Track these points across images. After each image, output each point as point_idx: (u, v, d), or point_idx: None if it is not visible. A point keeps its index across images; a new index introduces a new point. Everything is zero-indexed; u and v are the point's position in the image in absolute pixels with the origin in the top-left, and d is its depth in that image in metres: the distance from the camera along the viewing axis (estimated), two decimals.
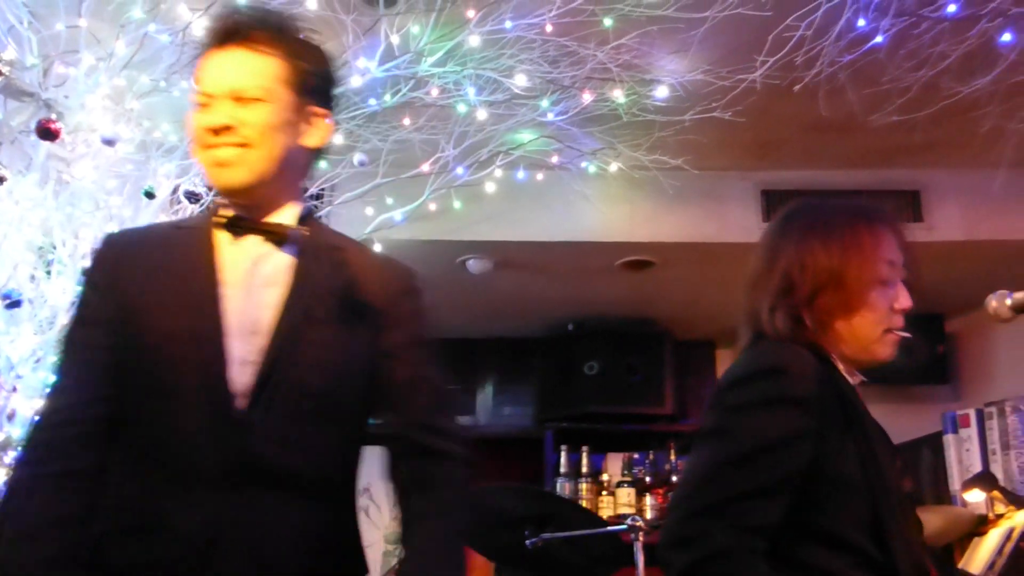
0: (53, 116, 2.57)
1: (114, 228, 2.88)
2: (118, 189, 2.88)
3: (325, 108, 1.50)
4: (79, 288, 1.50)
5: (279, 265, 1.43)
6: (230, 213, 1.45)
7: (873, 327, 1.47)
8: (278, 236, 1.44)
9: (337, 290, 1.43)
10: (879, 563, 1.33)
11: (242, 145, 1.40)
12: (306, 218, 1.50)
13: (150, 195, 2.78)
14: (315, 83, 1.48)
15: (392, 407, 1.46)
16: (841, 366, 1.48)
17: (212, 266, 1.42)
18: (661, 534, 1.34)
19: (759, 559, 1.28)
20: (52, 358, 2.77)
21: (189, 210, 2.80)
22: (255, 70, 1.41)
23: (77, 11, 2.52)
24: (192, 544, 1.28)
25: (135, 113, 2.81)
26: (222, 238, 1.45)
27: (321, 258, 1.46)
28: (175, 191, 2.89)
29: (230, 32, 1.43)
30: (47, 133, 2.49)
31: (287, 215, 1.47)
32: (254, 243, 1.44)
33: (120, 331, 1.40)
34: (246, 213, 1.46)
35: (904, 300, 1.49)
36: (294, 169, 1.48)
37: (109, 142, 2.66)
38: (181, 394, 1.34)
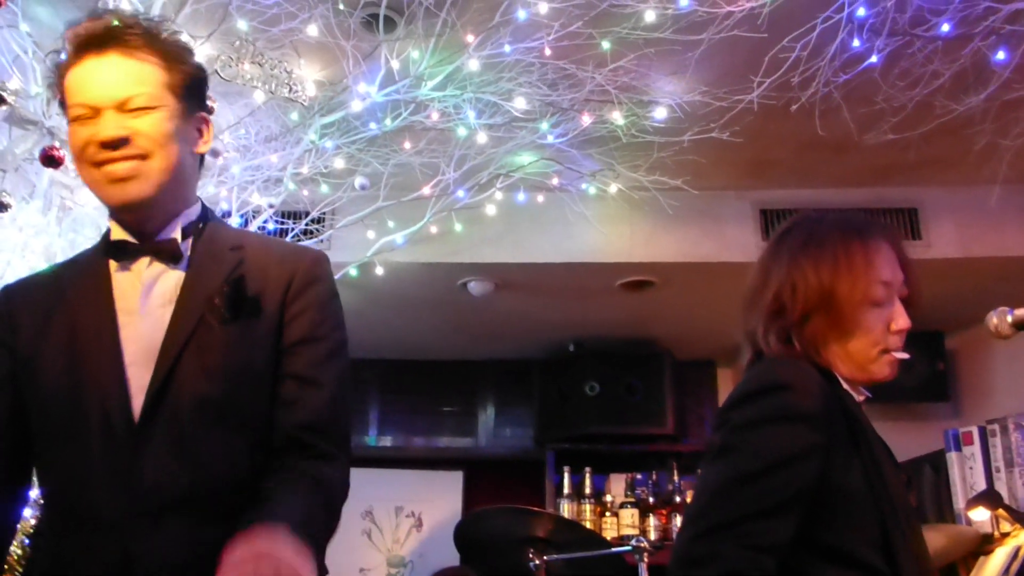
0: (56, 144, 2.59)
1: None
2: None
3: (205, 111, 1.46)
4: None
5: (174, 282, 1.38)
6: (121, 236, 1.39)
7: (869, 349, 1.45)
8: (168, 253, 1.38)
9: (228, 290, 1.36)
10: None
11: (140, 157, 1.33)
12: (197, 223, 1.43)
13: None
14: (195, 86, 1.43)
15: (283, 405, 1.36)
16: (844, 383, 1.48)
17: (107, 296, 1.36)
18: (672, 554, 1.33)
19: None
20: None
21: None
22: (140, 77, 1.35)
23: None
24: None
25: None
26: (114, 265, 1.39)
27: (215, 262, 1.39)
28: None
29: (105, 38, 1.35)
30: (51, 160, 2.49)
31: (176, 227, 1.41)
32: (145, 264, 1.38)
33: (20, 383, 1.36)
34: (136, 229, 1.39)
35: (902, 321, 1.47)
36: (187, 178, 1.42)
37: None
38: (83, 433, 1.29)
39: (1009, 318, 1.45)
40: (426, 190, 3.21)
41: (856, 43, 2.45)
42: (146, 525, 1.25)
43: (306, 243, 3.28)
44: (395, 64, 2.71)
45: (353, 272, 3.38)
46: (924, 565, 1.39)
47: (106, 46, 1.35)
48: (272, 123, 2.96)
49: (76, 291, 1.38)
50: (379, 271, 3.53)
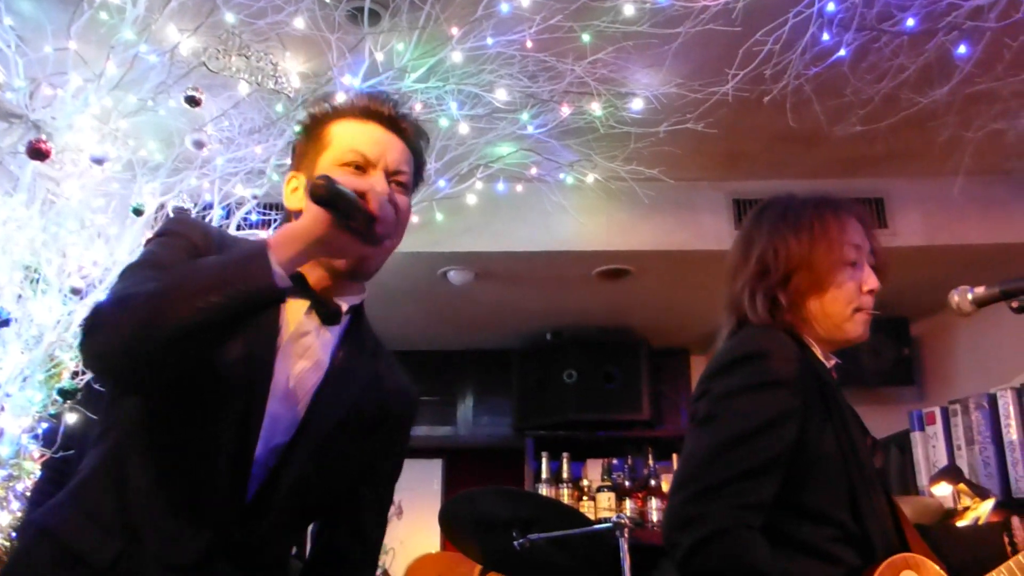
0: (43, 136, 2.60)
1: (100, 246, 2.92)
2: (104, 208, 2.91)
3: None
4: (161, 239, 1.39)
5: (320, 344, 1.39)
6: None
7: (843, 306, 1.58)
8: (331, 316, 1.40)
9: (371, 409, 1.43)
10: (856, 536, 1.44)
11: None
12: (358, 306, 1.47)
13: (138, 212, 2.82)
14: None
15: (351, 514, 1.49)
16: (817, 349, 1.59)
17: (277, 314, 1.36)
18: (664, 518, 1.43)
19: (757, 535, 1.37)
20: (39, 376, 2.79)
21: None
22: (409, 163, 1.45)
23: (66, 34, 2.56)
24: (182, 572, 1.27)
25: (121, 132, 2.84)
26: None
27: (359, 358, 1.44)
28: (160, 208, 2.94)
29: (394, 121, 1.45)
30: (38, 153, 2.51)
31: (348, 301, 1.43)
32: (302, 307, 1.38)
33: None
34: (317, 282, 1.41)
35: (872, 281, 1.61)
36: None
37: (98, 161, 2.69)
38: (220, 416, 1.31)
39: (970, 296, 1.59)
40: None
41: (826, 37, 2.55)
42: (240, 527, 1.31)
43: None
44: (379, 56, 2.77)
45: None
46: (886, 523, 1.50)
47: (393, 128, 1.45)
48: (256, 115, 3.00)
49: None
50: None
